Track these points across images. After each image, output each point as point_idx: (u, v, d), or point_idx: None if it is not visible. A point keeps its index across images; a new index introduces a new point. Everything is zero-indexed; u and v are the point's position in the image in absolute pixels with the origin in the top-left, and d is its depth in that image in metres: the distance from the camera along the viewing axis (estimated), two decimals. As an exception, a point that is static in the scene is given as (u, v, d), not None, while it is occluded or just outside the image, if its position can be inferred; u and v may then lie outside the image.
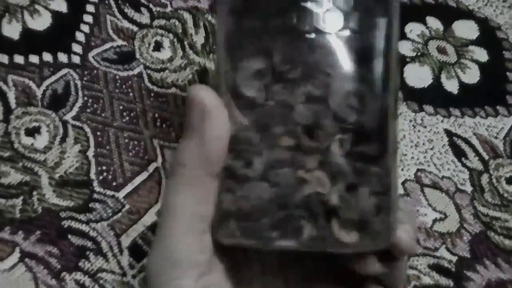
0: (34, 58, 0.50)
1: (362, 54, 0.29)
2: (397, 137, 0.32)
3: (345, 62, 0.29)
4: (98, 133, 0.48)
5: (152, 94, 0.51)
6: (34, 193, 0.45)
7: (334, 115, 0.29)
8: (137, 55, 0.52)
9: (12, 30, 0.51)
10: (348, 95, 0.29)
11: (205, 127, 0.29)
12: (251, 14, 0.30)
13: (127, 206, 0.46)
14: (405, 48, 0.59)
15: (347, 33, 0.29)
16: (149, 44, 0.53)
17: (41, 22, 0.52)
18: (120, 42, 0.53)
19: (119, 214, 0.45)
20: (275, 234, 0.29)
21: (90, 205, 0.45)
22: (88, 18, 0.53)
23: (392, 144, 0.30)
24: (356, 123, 0.29)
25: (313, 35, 0.29)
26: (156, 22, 0.55)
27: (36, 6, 0.52)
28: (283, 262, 0.35)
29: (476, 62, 0.60)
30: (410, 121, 0.55)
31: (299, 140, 0.29)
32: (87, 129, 0.48)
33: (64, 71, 0.50)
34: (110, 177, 0.46)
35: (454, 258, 0.48)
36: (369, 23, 0.30)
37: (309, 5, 0.29)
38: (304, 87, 0.29)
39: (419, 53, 0.59)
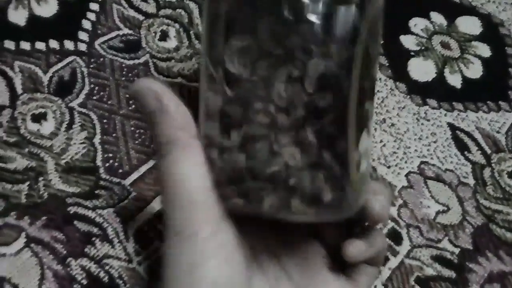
0: (40, 45, 0.50)
1: (336, 41, 0.30)
2: (364, 119, 0.34)
3: (322, 47, 0.30)
4: (105, 120, 0.48)
5: (158, 83, 0.51)
6: (40, 178, 0.45)
7: (308, 97, 0.30)
8: (143, 44, 0.52)
9: (19, 17, 0.51)
10: (321, 78, 0.30)
11: (165, 103, 0.32)
12: None
13: (133, 194, 0.46)
14: (409, 42, 0.59)
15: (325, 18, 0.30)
16: (155, 33, 0.53)
17: (47, 9, 0.52)
18: (126, 30, 0.53)
19: (125, 201, 0.45)
20: (242, 201, 0.32)
21: (96, 192, 0.45)
22: (94, 7, 0.53)
23: (354, 125, 0.32)
24: (324, 103, 0.31)
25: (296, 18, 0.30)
26: (162, 12, 0.55)
27: (43, -7, 0.52)
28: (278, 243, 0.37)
29: (479, 57, 0.61)
30: (414, 114, 0.55)
31: (276, 117, 0.31)
32: (94, 116, 0.48)
33: (71, 58, 0.50)
34: (116, 164, 0.47)
35: (457, 250, 0.49)
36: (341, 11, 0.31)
37: None
38: (284, 67, 0.30)
39: (423, 47, 0.60)
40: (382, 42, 0.58)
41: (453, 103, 0.57)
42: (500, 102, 0.58)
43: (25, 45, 0.49)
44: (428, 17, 0.62)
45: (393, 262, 0.47)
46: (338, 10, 0.30)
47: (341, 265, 0.38)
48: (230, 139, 0.32)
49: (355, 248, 0.35)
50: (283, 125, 0.31)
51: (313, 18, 0.30)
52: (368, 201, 0.35)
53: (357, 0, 0.31)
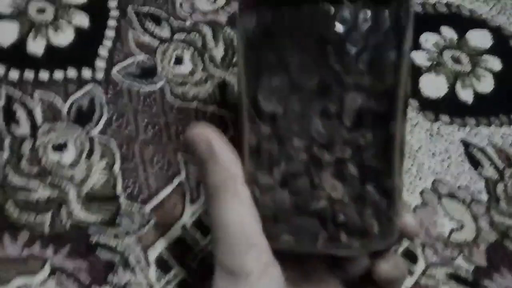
0: (59, 74, 0.51)
1: (375, 73, 0.31)
2: (403, 147, 0.34)
3: (358, 79, 0.30)
4: (124, 147, 0.49)
5: (174, 108, 0.52)
6: (62, 208, 0.46)
7: (347, 131, 0.31)
8: (159, 69, 0.53)
9: (37, 47, 0.52)
10: (360, 113, 0.31)
11: (216, 153, 0.33)
12: (271, 37, 0.32)
13: (153, 220, 0.47)
14: (420, 58, 0.60)
15: (361, 50, 0.30)
16: (170, 58, 0.54)
17: (64, 38, 0.53)
18: (142, 56, 0.54)
19: (146, 228, 0.46)
20: (292, 239, 0.32)
21: (117, 220, 0.46)
22: (110, 33, 0.54)
23: (398, 156, 0.33)
24: (365, 137, 0.31)
25: (330, 50, 0.30)
26: (176, 36, 0.56)
27: (59, 22, 0.53)
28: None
29: (490, 71, 0.61)
30: (427, 130, 0.56)
31: (316, 154, 0.31)
32: (113, 144, 0.49)
33: (89, 86, 0.51)
34: (136, 191, 0.48)
35: (471, 267, 0.49)
36: (381, 40, 0.31)
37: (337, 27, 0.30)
38: (319, 101, 0.30)
39: (434, 63, 0.60)
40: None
41: (466, 118, 0.57)
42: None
43: (44, 75, 0.51)
44: (438, 32, 0.62)
45: (409, 281, 0.48)
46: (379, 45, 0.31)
47: None
48: (272, 176, 0.32)
49: (386, 264, 0.36)
50: (323, 161, 0.31)
51: (352, 50, 0.30)
52: (404, 219, 0.36)
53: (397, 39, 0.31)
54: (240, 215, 0.33)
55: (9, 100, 0.49)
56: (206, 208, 0.47)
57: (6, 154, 0.47)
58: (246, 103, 0.33)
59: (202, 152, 0.34)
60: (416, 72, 0.59)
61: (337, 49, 0.30)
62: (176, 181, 0.49)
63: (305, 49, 0.31)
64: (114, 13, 0.55)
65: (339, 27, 0.30)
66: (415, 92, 0.58)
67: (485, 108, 0.58)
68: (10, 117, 0.48)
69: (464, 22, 0.64)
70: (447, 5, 0.65)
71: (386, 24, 0.31)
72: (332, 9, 0.30)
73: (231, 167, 0.33)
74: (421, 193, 0.52)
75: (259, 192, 0.33)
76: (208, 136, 0.34)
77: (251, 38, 0.33)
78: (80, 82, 0.51)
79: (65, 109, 0.49)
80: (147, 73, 0.53)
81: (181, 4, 0.57)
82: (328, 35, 0.30)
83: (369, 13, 0.30)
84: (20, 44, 0.51)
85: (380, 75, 0.31)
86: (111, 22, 0.55)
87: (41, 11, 0.53)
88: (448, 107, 0.58)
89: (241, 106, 0.34)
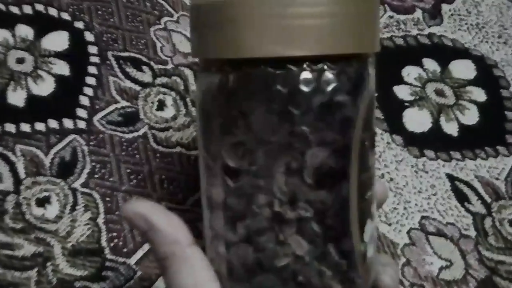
0: (40, 126, 0.51)
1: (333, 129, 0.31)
2: (366, 206, 0.34)
3: (320, 135, 0.30)
4: (107, 198, 0.49)
5: (158, 155, 0.51)
6: (48, 264, 0.46)
7: (309, 189, 0.30)
8: (141, 115, 0.53)
9: (17, 98, 0.51)
10: (320, 169, 0.30)
11: (155, 225, 0.33)
12: (232, 96, 0.32)
13: (139, 273, 0.46)
14: (403, 93, 0.60)
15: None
16: (153, 103, 0.54)
17: (45, 87, 0.52)
18: (124, 103, 0.53)
19: (132, 281, 0.46)
20: None
21: (103, 274, 0.46)
22: (91, 81, 0.54)
23: (361, 216, 0.32)
24: (325, 196, 0.31)
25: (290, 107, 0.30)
26: (158, 80, 0.55)
27: (39, 72, 0.53)
28: None
29: (475, 102, 0.61)
30: (412, 166, 0.56)
31: (279, 211, 0.31)
32: (96, 196, 0.49)
33: (71, 137, 0.51)
34: (121, 243, 0.47)
35: (462, 306, 0.49)
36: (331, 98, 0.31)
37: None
38: (283, 158, 0.30)
39: (417, 97, 0.60)
40: (376, 94, 0.59)
41: (451, 152, 0.57)
42: (498, 147, 0.58)
43: (25, 127, 0.50)
44: (421, 65, 0.62)
45: (399, 324, 0.48)
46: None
47: None
48: (236, 232, 0.32)
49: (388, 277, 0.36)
50: (287, 218, 0.31)
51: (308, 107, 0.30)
52: (378, 275, 0.36)
53: (347, 98, 0.31)
54: (193, 279, 0.33)
55: (-10, 155, 0.49)
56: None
57: (-12, 211, 0.47)
58: (206, 158, 0.33)
59: (141, 227, 0.34)
60: (399, 107, 0.59)
61: (294, 106, 0.30)
62: (161, 231, 0.48)
63: (266, 109, 0.30)
64: (94, 59, 0.55)
65: (283, 89, 0.30)
66: (399, 128, 0.58)
67: (470, 141, 0.58)
68: (-8, 173, 0.48)
69: (446, 53, 0.64)
70: (429, 36, 0.65)
71: (336, 84, 0.31)
72: (276, 72, 0.30)
73: (173, 233, 0.33)
74: (408, 232, 0.52)
75: (223, 247, 0.33)
76: (143, 211, 0.34)
77: (212, 97, 0.32)
78: (62, 133, 0.51)
79: (47, 162, 0.49)
80: (129, 119, 0.53)
81: (161, 48, 0.57)
82: (284, 95, 0.30)
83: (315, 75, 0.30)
84: (0, 95, 0.51)
85: (335, 133, 0.31)
86: (92, 69, 0.54)
87: (20, 61, 0.53)
88: (433, 142, 0.57)
89: (199, 160, 0.34)
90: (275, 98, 0.30)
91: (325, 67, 0.30)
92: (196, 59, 0.54)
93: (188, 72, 0.56)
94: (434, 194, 0.54)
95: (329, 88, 0.30)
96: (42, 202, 0.48)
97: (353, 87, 0.31)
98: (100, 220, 0.48)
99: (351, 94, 0.31)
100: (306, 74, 0.30)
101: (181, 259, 0.33)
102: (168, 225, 0.33)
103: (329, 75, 0.30)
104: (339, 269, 0.32)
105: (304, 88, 0.30)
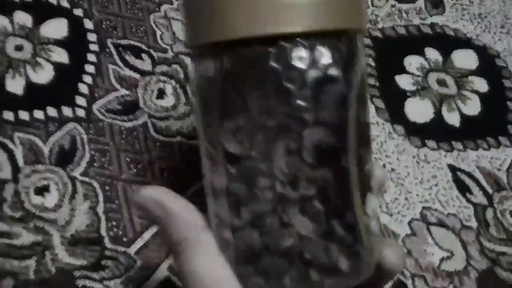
0: (39, 114, 0.50)
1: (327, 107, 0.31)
2: (365, 180, 0.34)
3: (317, 111, 0.30)
4: (107, 187, 0.48)
5: (157, 144, 0.51)
6: (47, 253, 0.45)
7: (310, 168, 0.30)
8: (141, 104, 0.53)
9: (16, 86, 0.51)
10: (319, 148, 0.30)
11: (173, 212, 0.33)
12: (229, 81, 0.31)
13: (138, 262, 0.46)
14: (405, 82, 0.60)
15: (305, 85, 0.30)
16: (152, 92, 0.53)
17: (44, 75, 0.52)
18: (123, 91, 0.53)
19: (131, 271, 0.46)
20: (261, 280, 0.32)
21: (102, 263, 0.46)
22: (90, 69, 0.53)
23: (362, 188, 0.32)
24: (325, 173, 0.31)
25: (289, 86, 0.30)
26: (157, 68, 0.55)
27: (38, 59, 0.52)
28: None
29: (477, 92, 0.61)
30: (414, 157, 0.55)
31: (282, 192, 0.31)
32: (96, 185, 0.48)
33: (70, 125, 0.50)
34: (120, 232, 0.47)
35: (462, 297, 0.49)
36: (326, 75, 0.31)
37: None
38: (281, 140, 0.30)
39: (419, 87, 0.60)
40: (377, 84, 0.59)
41: (452, 142, 0.57)
42: (499, 138, 0.58)
43: (24, 115, 0.50)
44: (423, 54, 0.62)
45: (400, 315, 0.47)
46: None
47: None
48: (241, 217, 0.32)
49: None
50: (290, 199, 0.31)
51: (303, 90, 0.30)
52: (383, 254, 0.35)
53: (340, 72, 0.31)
54: (207, 265, 0.32)
55: (-11, 143, 0.48)
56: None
57: (-13, 200, 0.46)
58: (206, 145, 0.33)
59: (157, 212, 0.33)
60: (401, 97, 0.59)
61: (290, 82, 0.30)
62: (161, 221, 0.48)
63: (262, 89, 0.30)
64: (94, 47, 0.54)
65: (277, 65, 0.30)
66: (401, 118, 0.57)
67: (472, 131, 0.58)
68: (-10, 162, 0.48)
69: (448, 42, 0.63)
70: (431, 25, 0.64)
71: (329, 59, 0.30)
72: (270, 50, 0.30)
73: (190, 218, 0.33)
74: (409, 222, 0.52)
75: (229, 233, 0.32)
76: (159, 198, 0.33)
77: (209, 83, 0.32)
78: (61, 122, 0.50)
79: (46, 151, 0.49)
80: (129, 108, 0.52)
81: (161, 35, 0.57)
82: (278, 73, 0.30)
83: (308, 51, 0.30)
84: (-1, 84, 0.51)
85: (330, 109, 0.31)
86: (91, 57, 0.54)
87: (19, 48, 0.52)
88: (434, 132, 0.57)
89: (200, 147, 0.34)
90: (270, 76, 0.30)
91: (317, 43, 0.30)
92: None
93: (188, 61, 0.56)
94: (436, 185, 0.54)
95: (323, 63, 0.30)
96: (41, 190, 0.47)
97: (345, 62, 0.31)
98: (100, 209, 0.48)
99: (344, 68, 0.31)
100: (299, 50, 0.30)
101: (196, 245, 0.33)
102: (184, 210, 0.33)
103: (322, 50, 0.30)
104: (344, 243, 0.32)
105: (298, 64, 0.30)
